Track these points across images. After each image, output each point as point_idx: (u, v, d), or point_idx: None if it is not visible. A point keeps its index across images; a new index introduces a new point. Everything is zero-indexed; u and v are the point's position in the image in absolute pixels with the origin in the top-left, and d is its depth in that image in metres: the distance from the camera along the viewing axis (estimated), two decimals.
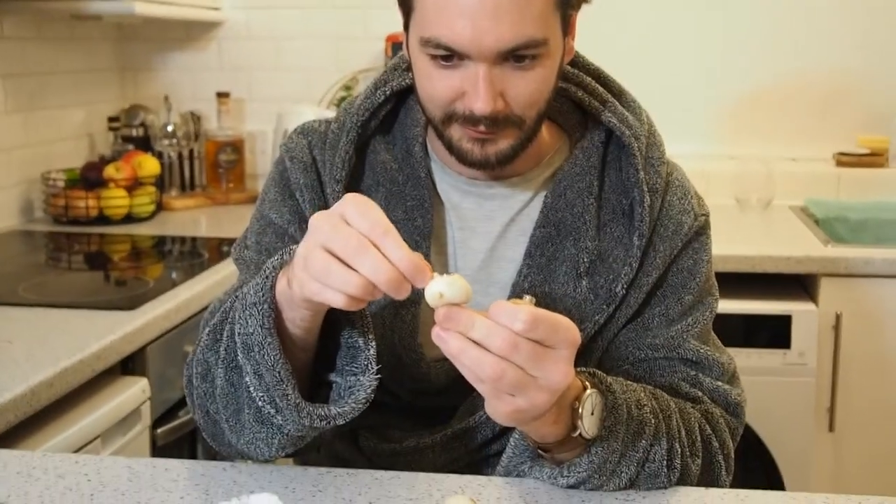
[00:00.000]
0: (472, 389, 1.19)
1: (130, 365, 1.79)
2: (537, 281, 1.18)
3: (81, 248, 2.51)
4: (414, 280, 0.90)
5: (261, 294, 1.01)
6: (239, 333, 1.03)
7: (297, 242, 1.23)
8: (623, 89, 1.27)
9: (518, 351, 0.89)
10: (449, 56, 1.08)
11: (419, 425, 1.23)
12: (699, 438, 1.14)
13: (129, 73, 3.18)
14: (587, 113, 1.25)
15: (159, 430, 1.84)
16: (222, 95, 3.03)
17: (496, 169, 1.16)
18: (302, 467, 1.12)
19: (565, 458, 1.05)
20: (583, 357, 1.19)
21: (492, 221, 1.23)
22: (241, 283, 1.26)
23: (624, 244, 1.20)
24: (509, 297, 1.19)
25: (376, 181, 1.24)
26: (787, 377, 2.29)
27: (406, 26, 1.14)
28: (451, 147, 1.15)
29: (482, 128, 1.10)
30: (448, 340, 0.90)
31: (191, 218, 2.82)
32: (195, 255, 2.42)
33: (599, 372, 1.08)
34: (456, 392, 1.19)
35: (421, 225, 1.21)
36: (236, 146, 3.04)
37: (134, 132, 2.99)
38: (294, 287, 0.97)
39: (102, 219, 2.66)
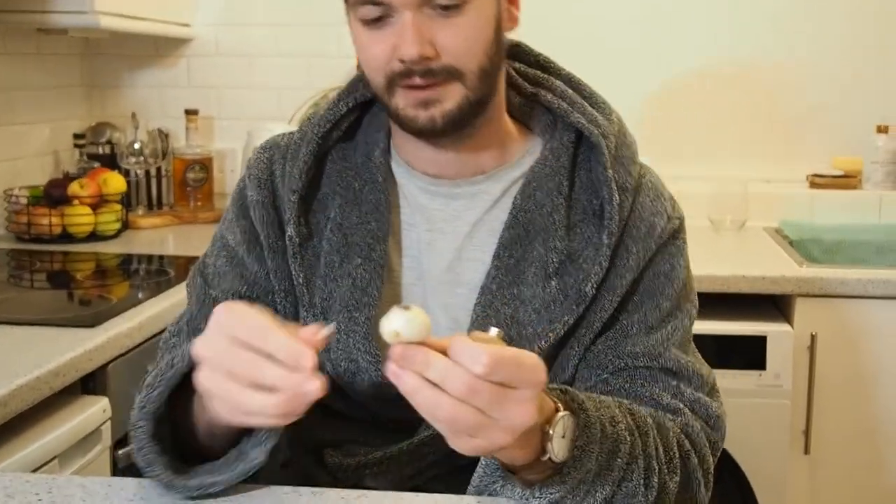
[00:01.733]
0: None
1: (91, 384, 1.73)
2: (506, 282, 1.16)
3: (44, 266, 2.45)
4: (301, 365, 0.88)
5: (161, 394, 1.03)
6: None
7: (245, 266, 1.22)
8: (594, 91, 1.26)
9: (477, 394, 0.84)
10: (378, 18, 1.11)
11: (384, 439, 1.18)
12: (677, 455, 1.10)
13: (95, 89, 3.12)
14: (557, 115, 1.23)
15: (120, 452, 1.77)
16: (191, 113, 2.98)
17: (445, 134, 1.15)
18: (266, 487, 1.07)
19: (535, 480, 1.01)
20: (560, 365, 1.16)
21: (459, 221, 1.21)
22: (188, 311, 1.26)
23: (594, 244, 1.17)
24: (476, 306, 1.15)
25: (332, 190, 1.24)
26: (762, 398, 2.26)
27: (347, 13, 1.17)
28: (398, 118, 1.15)
29: (418, 80, 1.11)
30: (403, 379, 0.86)
31: (158, 236, 2.76)
32: (161, 273, 2.37)
33: (571, 389, 1.05)
34: None
35: (375, 228, 1.20)
36: (205, 164, 2.99)
37: (100, 150, 2.94)
38: (217, 413, 0.95)
39: (66, 237, 2.60)
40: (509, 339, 1.14)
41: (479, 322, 1.15)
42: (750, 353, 2.25)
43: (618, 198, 1.17)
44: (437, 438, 1.13)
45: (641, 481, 1.04)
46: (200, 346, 0.92)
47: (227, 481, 1.03)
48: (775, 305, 2.39)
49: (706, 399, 1.19)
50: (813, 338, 2.27)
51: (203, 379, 0.93)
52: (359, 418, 1.20)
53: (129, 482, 1.10)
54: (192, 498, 1.04)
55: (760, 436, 2.26)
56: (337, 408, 1.19)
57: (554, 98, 1.23)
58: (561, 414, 0.98)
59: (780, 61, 2.96)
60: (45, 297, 2.17)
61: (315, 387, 0.88)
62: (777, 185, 2.95)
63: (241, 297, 1.22)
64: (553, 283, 1.16)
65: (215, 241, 1.29)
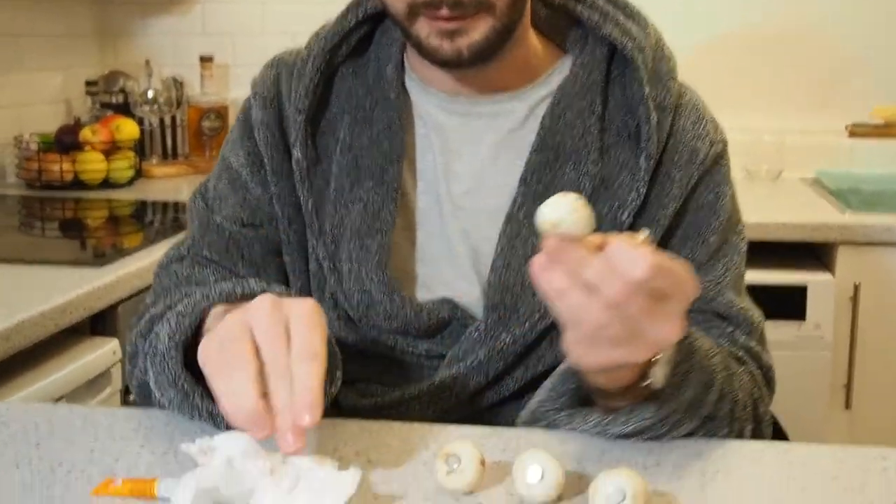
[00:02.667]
0: (462, 331, 1.06)
1: (101, 325, 1.66)
2: (534, 210, 1.05)
3: (56, 214, 2.36)
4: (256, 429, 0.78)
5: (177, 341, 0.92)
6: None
7: (248, 190, 1.13)
8: (627, 1, 1.15)
9: (632, 302, 0.75)
10: None
11: (403, 378, 1.09)
12: (750, 403, 1.02)
13: (108, 37, 3.03)
14: (588, 29, 1.13)
15: (132, 396, 1.69)
16: (206, 60, 2.89)
17: (472, 65, 1.05)
18: None
19: (620, 407, 0.92)
20: None
21: (478, 143, 1.11)
22: (189, 237, 1.17)
23: (630, 168, 1.07)
24: (501, 236, 1.06)
25: (341, 109, 1.14)
26: (801, 351, 2.16)
27: None
28: (420, 47, 1.05)
29: (445, 12, 1.00)
30: (553, 277, 0.76)
31: (172, 186, 2.67)
32: (176, 221, 2.28)
33: None
34: (442, 335, 1.06)
35: (388, 149, 1.10)
36: (220, 113, 2.90)
37: (113, 98, 2.85)
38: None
39: (78, 184, 2.52)
40: None
41: (506, 253, 1.05)
42: (789, 304, 2.15)
43: (656, 117, 1.07)
44: (461, 379, 1.04)
45: (726, 422, 0.96)
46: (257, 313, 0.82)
47: None
48: (815, 255, 2.28)
49: (758, 348, 1.10)
50: (856, 288, 2.17)
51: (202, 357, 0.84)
52: (374, 354, 1.10)
53: (134, 412, 1.01)
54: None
55: (799, 389, 2.17)
56: (351, 342, 1.10)
57: (584, 9, 1.13)
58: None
59: (820, 10, 2.83)
60: (56, 244, 2.10)
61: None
62: (814, 136, 2.83)
63: (242, 225, 1.13)
64: None
65: (218, 162, 1.19)
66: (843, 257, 2.18)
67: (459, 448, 0.83)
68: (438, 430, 0.97)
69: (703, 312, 1.08)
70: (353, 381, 1.10)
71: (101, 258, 1.76)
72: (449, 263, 1.09)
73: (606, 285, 0.74)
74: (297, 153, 1.10)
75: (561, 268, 0.76)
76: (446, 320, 1.06)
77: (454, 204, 1.10)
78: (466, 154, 1.11)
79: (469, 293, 1.08)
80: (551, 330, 1.04)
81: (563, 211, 0.75)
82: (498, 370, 1.04)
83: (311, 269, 1.11)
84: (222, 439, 0.82)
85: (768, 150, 2.69)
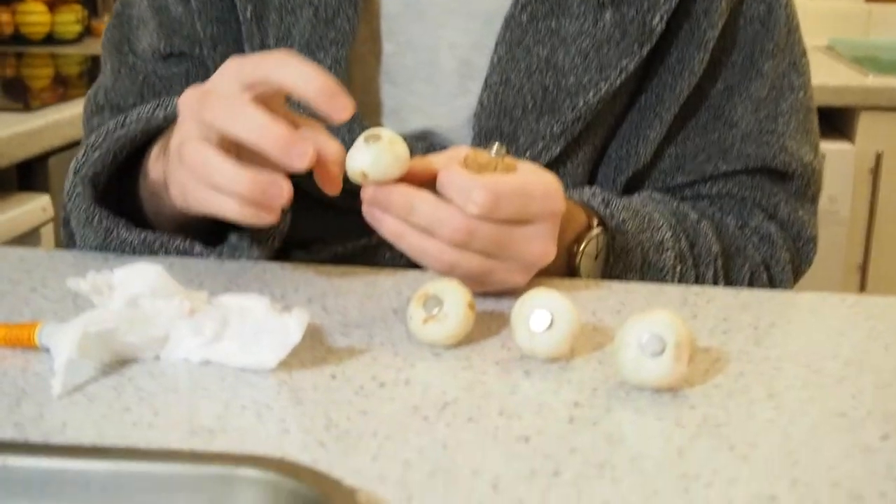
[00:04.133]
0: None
1: (30, 180, 1.44)
2: (540, 12, 0.83)
3: None
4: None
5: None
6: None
7: (168, 9, 0.89)
8: None
9: (475, 237, 0.66)
10: None
11: (362, 232, 0.88)
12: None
13: None
14: None
15: None
16: None
17: None
18: (218, 260, 0.79)
19: None
20: (622, 139, 0.86)
21: None
22: (104, 82, 0.93)
23: None
24: (499, 46, 0.84)
25: None
26: None
27: None
28: None
29: None
30: (383, 223, 0.67)
31: None
32: None
33: (617, 200, 0.81)
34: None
35: None
36: None
37: None
38: (173, 194, 0.70)
39: (18, 38, 2.28)
40: (542, 92, 0.83)
41: (503, 66, 0.83)
42: None
43: None
44: None
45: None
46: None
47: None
48: (833, 122, 2.08)
49: (804, 217, 0.91)
50: (878, 158, 1.98)
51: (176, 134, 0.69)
52: (333, 207, 0.87)
53: (36, 252, 0.81)
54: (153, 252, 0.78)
55: (811, 268, 1.98)
56: (300, 195, 0.87)
57: None
58: (594, 232, 0.78)
59: None
60: None
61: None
62: (827, 1, 2.61)
63: (161, 58, 0.90)
64: (607, 14, 0.84)
65: None
66: (864, 124, 1.98)
67: (441, 287, 0.63)
68: (416, 276, 0.77)
69: (754, 175, 0.90)
70: (307, 241, 0.88)
71: (31, 103, 1.53)
72: (428, 83, 0.87)
73: (440, 227, 0.65)
74: None
75: (390, 214, 0.66)
76: None
77: (437, 6, 0.87)
78: None
79: (453, 121, 0.86)
80: (559, 162, 0.84)
81: (367, 159, 0.65)
82: None
83: None
84: (126, 273, 0.61)
85: None
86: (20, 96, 1.98)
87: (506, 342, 0.64)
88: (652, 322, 0.57)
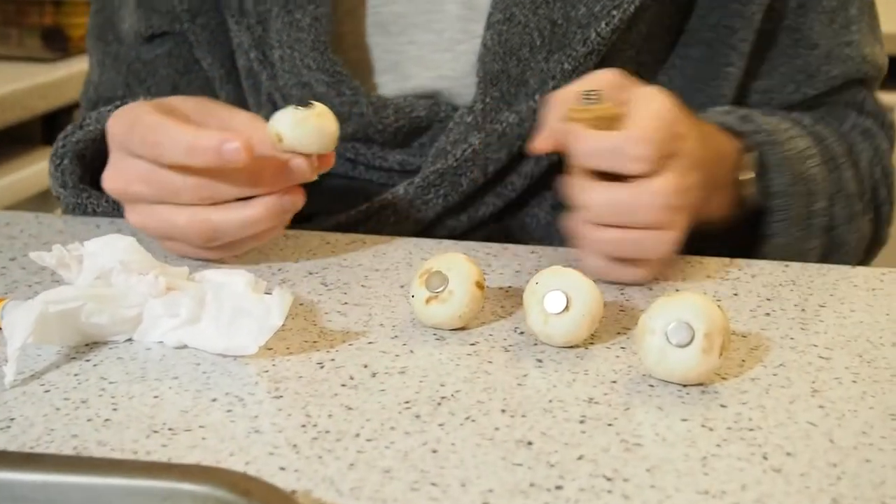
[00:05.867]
0: (446, 122, 0.79)
1: (55, 134, 1.39)
2: None
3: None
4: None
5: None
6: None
7: None
8: None
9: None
10: None
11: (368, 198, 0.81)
12: (869, 190, 0.80)
13: None
14: None
15: None
16: None
17: None
18: None
19: None
20: (702, 100, 0.79)
21: None
22: (90, 76, 0.90)
23: None
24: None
25: None
26: None
27: None
28: None
29: None
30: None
31: None
32: None
33: (753, 113, 0.75)
34: (421, 142, 0.77)
35: None
36: None
37: None
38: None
39: None
40: (550, 26, 0.74)
41: (506, 1, 0.74)
42: None
43: None
44: (450, 176, 0.75)
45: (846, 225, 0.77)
46: (108, 182, 0.65)
47: None
48: None
49: (882, 104, 0.86)
50: None
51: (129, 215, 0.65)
52: (330, 176, 0.79)
53: (23, 216, 0.76)
54: None
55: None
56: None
57: None
58: (752, 155, 0.72)
59: None
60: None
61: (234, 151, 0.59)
62: None
63: (143, 41, 0.84)
64: None
65: None
66: None
67: (447, 263, 0.57)
68: (431, 245, 0.71)
69: (839, 87, 0.83)
70: (309, 214, 0.81)
71: (55, 53, 1.48)
72: (427, 31, 0.78)
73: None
74: None
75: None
76: (422, 121, 0.76)
77: None
78: None
79: (458, 70, 0.78)
80: None
81: (287, 122, 0.60)
82: (500, 163, 0.75)
83: (241, 67, 0.82)
84: (96, 245, 0.56)
85: None
86: (59, 45, 1.95)
87: (519, 325, 0.58)
88: (680, 307, 0.50)
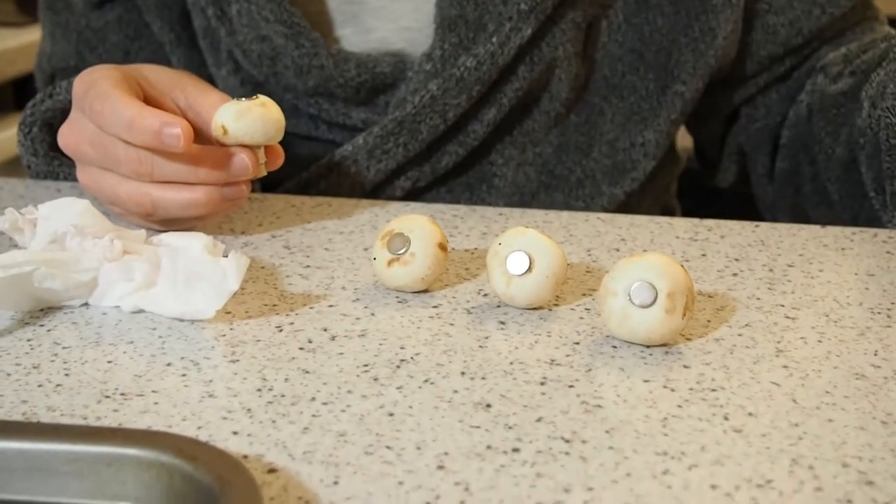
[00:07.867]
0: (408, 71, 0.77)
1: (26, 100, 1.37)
2: None
3: None
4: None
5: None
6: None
7: None
8: None
9: None
10: None
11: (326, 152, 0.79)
12: None
13: None
14: None
15: None
16: None
17: None
18: None
19: None
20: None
21: None
22: (42, 48, 0.88)
23: None
24: None
25: None
26: None
27: None
28: None
29: None
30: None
31: None
32: None
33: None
34: (387, 99, 0.76)
35: None
36: None
37: None
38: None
39: None
40: None
41: None
42: None
43: None
44: (408, 124, 0.73)
45: None
46: (63, 137, 0.65)
47: None
48: None
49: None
50: None
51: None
52: (292, 135, 0.77)
53: (19, 184, 0.75)
54: None
55: None
56: None
57: None
58: None
59: None
60: None
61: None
62: None
63: (93, 7, 0.82)
64: None
65: None
66: None
67: (408, 225, 0.56)
68: (398, 207, 0.70)
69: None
70: (275, 182, 0.79)
71: (30, 17, 1.46)
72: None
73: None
74: None
75: None
76: (386, 77, 0.75)
77: None
78: None
79: (420, 20, 0.75)
80: (533, 45, 0.73)
81: (231, 112, 0.60)
82: (460, 109, 0.73)
83: (198, 26, 0.80)
84: (50, 208, 0.55)
85: None
86: (33, 10, 1.92)
87: (483, 287, 0.57)
88: (643, 267, 0.49)
